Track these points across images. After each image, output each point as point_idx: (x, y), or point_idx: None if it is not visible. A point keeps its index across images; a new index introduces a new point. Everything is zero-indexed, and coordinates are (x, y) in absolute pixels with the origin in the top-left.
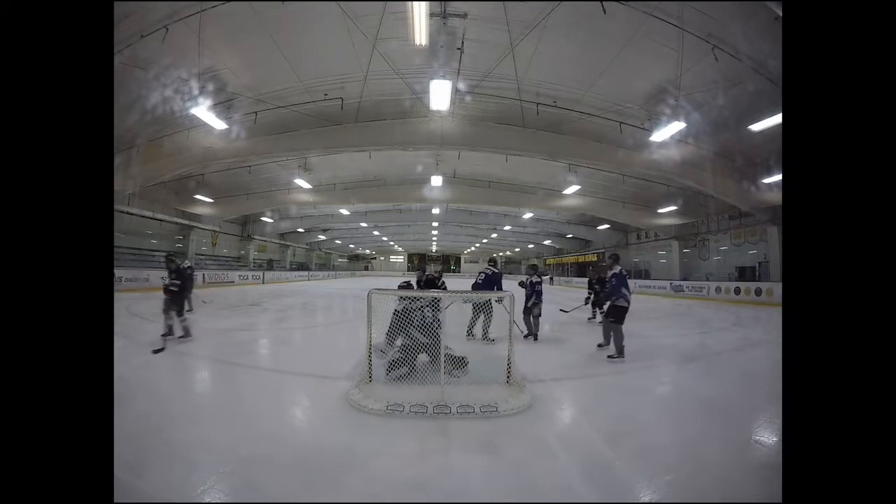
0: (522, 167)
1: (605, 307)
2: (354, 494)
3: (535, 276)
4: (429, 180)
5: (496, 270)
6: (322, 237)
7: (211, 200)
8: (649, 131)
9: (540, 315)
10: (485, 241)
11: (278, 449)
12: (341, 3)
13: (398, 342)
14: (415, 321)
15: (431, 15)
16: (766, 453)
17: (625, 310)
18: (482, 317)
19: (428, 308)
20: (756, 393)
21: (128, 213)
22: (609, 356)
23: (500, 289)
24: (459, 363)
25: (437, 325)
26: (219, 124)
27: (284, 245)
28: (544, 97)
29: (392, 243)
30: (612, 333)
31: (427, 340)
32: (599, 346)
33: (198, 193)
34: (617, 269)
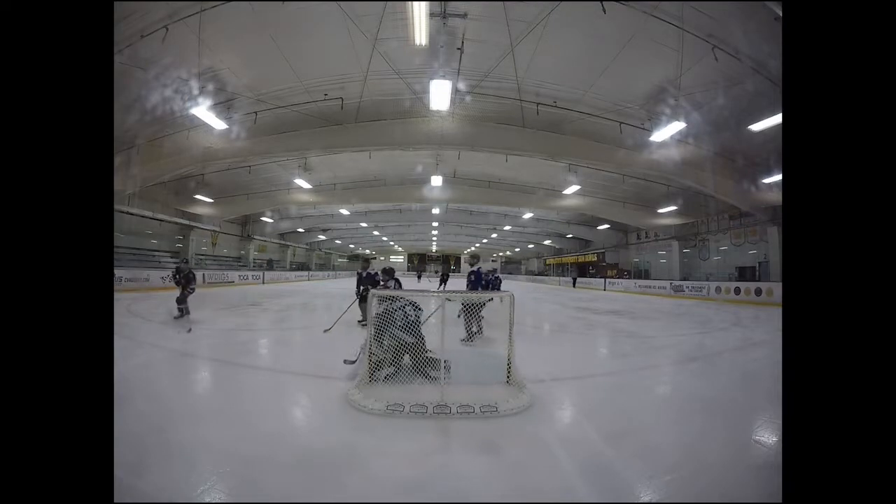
0: (522, 167)
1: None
2: (355, 494)
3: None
4: (429, 180)
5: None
6: (322, 237)
7: (211, 200)
8: (649, 131)
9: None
10: (485, 241)
11: (278, 449)
12: (341, 3)
13: (385, 343)
14: (397, 321)
15: (431, 15)
16: (766, 453)
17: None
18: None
19: (409, 307)
20: (756, 393)
21: (128, 213)
22: (462, 339)
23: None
24: (434, 364)
25: (419, 324)
26: (219, 124)
27: (284, 245)
28: (544, 97)
29: (392, 243)
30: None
31: (413, 340)
32: (462, 340)
33: (198, 193)
34: (473, 268)
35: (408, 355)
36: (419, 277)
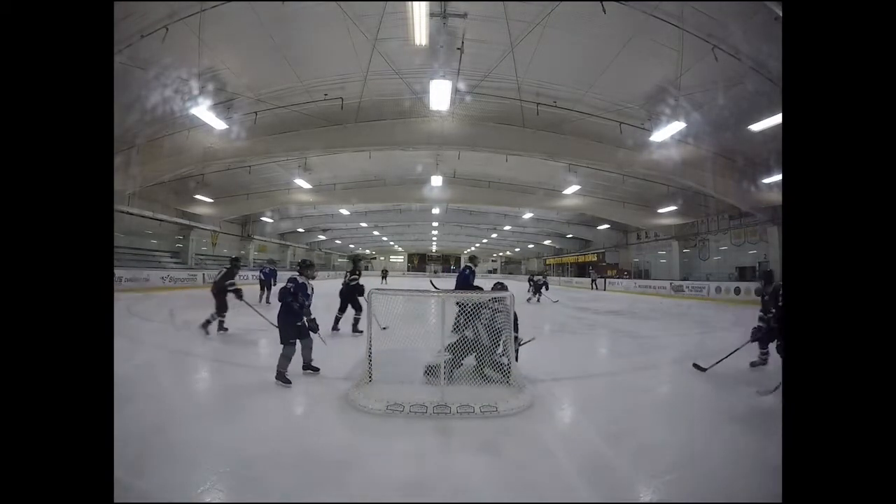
0: (522, 167)
1: None
2: (354, 494)
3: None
4: (429, 180)
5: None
6: (322, 237)
7: (211, 200)
8: (649, 131)
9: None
10: (485, 241)
11: (278, 449)
12: (341, 3)
13: (468, 333)
14: (483, 318)
15: (431, 15)
16: (766, 453)
17: None
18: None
19: (500, 314)
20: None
21: (128, 213)
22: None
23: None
24: (502, 368)
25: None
26: (219, 124)
27: (284, 245)
28: (544, 97)
29: (392, 243)
30: None
31: (489, 343)
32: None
33: (198, 193)
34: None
35: (474, 356)
36: (384, 278)
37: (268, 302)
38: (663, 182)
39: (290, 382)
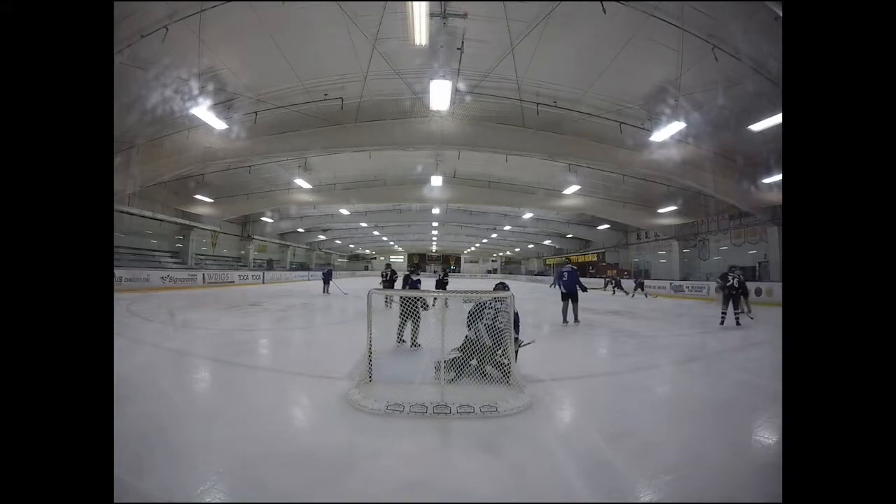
0: (522, 167)
1: None
2: (354, 494)
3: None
4: (429, 180)
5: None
6: (322, 237)
7: (211, 200)
8: (649, 131)
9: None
10: (485, 241)
11: (278, 449)
12: (341, 3)
13: (471, 333)
14: (486, 317)
15: (431, 15)
16: (766, 453)
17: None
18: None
19: (503, 314)
20: (756, 393)
21: (128, 213)
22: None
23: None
24: (504, 368)
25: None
26: (219, 124)
27: (284, 245)
28: (544, 97)
29: (392, 243)
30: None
31: (491, 343)
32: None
33: (198, 193)
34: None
35: (476, 359)
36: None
37: (326, 293)
38: (663, 182)
39: (405, 342)
